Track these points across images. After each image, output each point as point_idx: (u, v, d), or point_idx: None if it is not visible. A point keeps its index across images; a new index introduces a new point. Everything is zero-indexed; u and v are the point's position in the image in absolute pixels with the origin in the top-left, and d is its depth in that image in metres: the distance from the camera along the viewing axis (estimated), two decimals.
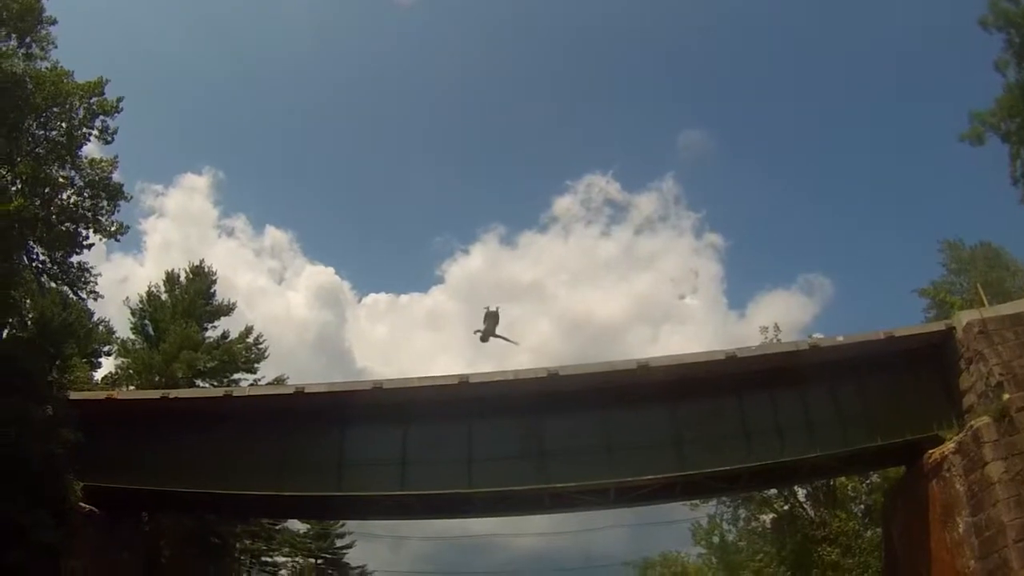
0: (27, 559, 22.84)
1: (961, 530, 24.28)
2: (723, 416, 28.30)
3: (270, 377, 47.20)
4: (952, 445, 25.26)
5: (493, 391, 28.17)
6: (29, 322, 27.81)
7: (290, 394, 29.48)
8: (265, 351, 48.28)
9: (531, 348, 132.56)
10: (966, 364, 25.85)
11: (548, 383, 28.09)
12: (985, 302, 27.90)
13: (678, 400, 28.41)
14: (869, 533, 39.04)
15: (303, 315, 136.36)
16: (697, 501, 44.28)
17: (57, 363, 28.45)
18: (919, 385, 27.49)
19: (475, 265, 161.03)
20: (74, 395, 29.19)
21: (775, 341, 40.50)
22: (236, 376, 45.96)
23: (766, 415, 28.12)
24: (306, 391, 28.94)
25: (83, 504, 27.17)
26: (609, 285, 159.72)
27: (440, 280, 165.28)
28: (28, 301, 27.81)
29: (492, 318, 28.72)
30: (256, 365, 47.58)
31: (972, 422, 24.52)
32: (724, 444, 27.88)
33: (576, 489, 28.86)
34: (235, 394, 31.36)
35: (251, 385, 43.77)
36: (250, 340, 47.80)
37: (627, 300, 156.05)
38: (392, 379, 30.03)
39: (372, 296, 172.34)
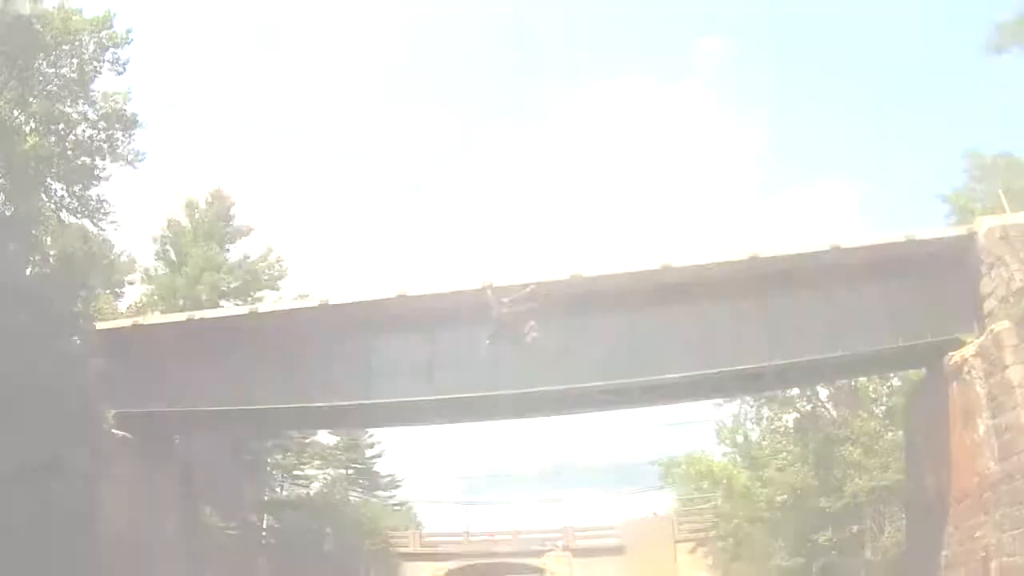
0: (64, 489, 23.55)
1: (981, 432, 24.39)
2: (746, 316, 28.38)
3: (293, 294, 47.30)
4: (972, 348, 25.24)
5: (518, 295, 28.00)
6: (51, 258, 28.02)
7: (315, 307, 29.63)
8: (287, 269, 48.65)
9: None
10: (987, 269, 25.58)
11: (572, 285, 28.03)
12: (1007, 209, 27.50)
13: (702, 300, 28.34)
14: (890, 435, 39.23)
15: None
16: (721, 400, 44.69)
17: (82, 295, 28.71)
18: (940, 289, 27.20)
19: None
20: (101, 325, 29.64)
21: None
22: (260, 294, 46.36)
23: (789, 316, 28.14)
24: (331, 303, 29.09)
25: (116, 431, 27.85)
26: None
27: None
28: (48, 239, 28.04)
29: None
30: (279, 282, 48.00)
31: (993, 326, 24.43)
32: (748, 343, 28.05)
33: (601, 388, 29.16)
34: (260, 311, 31.80)
35: (275, 301, 43.94)
36: (272, 259, 48.13)
37: None
38: (417, 287, 29.86)
39: None
